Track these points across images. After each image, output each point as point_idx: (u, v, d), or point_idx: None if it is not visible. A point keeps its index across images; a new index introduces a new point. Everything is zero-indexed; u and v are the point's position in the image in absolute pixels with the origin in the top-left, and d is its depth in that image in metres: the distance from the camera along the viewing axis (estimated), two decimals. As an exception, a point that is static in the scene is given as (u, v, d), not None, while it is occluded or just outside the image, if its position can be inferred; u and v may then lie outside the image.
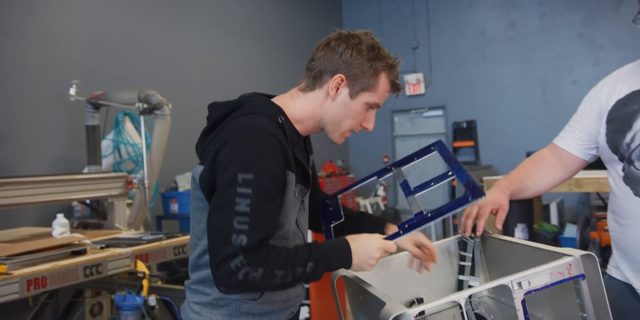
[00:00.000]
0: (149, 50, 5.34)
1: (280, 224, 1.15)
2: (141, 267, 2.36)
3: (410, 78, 8.28)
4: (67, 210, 4.16)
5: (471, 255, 1.52)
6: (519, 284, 1.08)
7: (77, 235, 2.54)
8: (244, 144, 1.07)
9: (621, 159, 1.38)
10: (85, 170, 3.92)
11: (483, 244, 1.52)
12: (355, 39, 1.20)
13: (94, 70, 4.67)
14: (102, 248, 2.42)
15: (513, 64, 7.48)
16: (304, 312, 3.45)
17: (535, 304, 1.32)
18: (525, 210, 5.25)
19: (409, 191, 1.37)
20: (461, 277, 1.53)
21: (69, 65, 4.51)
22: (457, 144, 7.82)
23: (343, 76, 1.19)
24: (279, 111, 1.19)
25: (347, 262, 1.13)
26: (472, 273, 1.52)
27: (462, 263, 1.53)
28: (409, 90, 8.41)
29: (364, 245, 1.15)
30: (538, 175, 1.57)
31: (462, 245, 1.53)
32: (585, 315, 1.14)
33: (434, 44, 8.26)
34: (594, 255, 1.12)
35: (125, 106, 3.79)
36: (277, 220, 1.11)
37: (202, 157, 1.18)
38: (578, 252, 1.13)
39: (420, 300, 1.48)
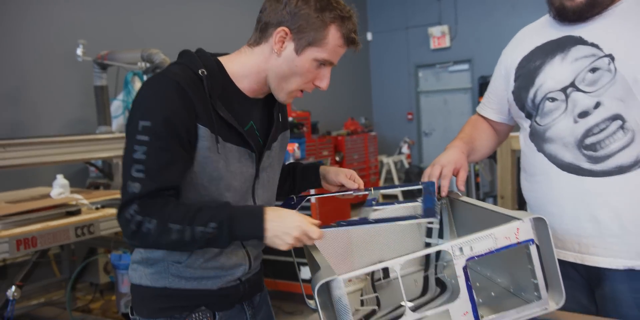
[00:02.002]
0: (155, 8, 5.26)
1: (193, 179, 1.09)
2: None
3: (435, 31, 7.96)
4: (84, 170, 4.26)
5: (439, 217, 1.46)
6: (460, 249, 1.02)
7: (76, 195, 2.59)
8: (147, 92, 1.06)
9: (527, 115, 1.37)
10: (98, 131, 3.97)
11: (451, 205, 1.46)
12: None
13: (100, 30, 4.65)
14: (97, 208, 2.46)
15: (546, 12, 7.06)
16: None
17: (496, 267, 1.26)
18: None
19: (369, 204, 1.33)
20: (428, 240, 1.48)
21: (76, 25, 4.50)
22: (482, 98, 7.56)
23: (287, 29, 1.08)
24: (208, 64, 1.11)
25: (258, 231, 1.03)
26: (441, 235, 1.47)
27: (430, 225, 1.47)
28: (433, 44, 8.11)
29: (282, 219, 1.04)
30: (482, 137, 1.55)
31: (430, 206, 1.47)
32: (535, 281, 1.08)
33: (461, -7, 7.87)
34: (544, 218, 1.04)
35: (129, 65, 3.78)
36: (179, 171, 1.06)
37: None
38: (528, 215, 1.05)
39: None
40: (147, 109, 1.03)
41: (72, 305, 3.17)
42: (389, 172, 8.06)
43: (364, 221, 1.14)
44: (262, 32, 1.13)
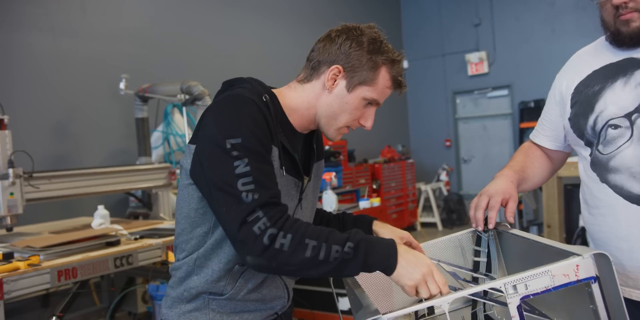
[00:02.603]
0: (196, 40, 5.40)
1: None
2: (172, 257, 2.38)
3: (473, 57, 7.90)
4: (124, 201, 4.33)
5: (486, 250, 1.38)
6: (514, 287, 0.95)
7: (116, 226, 2.61)
8: (226, 110, 1.03)
9: (587, 144, 1.29)
10: (138, 161, 4.04)
11: (500, 238, 1.38)
12: (357, 31, 1.15)
13: (143, 64, 4.79)
14: (136, 239, 2.47)
15: (586, 37, 6.91)
16: None
17: (551, 304, 1.17)
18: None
19: None
20: (475, 275, 1.40)
21: (119, 59, 4.64)
22: (524, 124, 7.38)
23: (340, 67, 1.13)
24: (267, 91, 1.13)
25: (392, 260, 0.98)
26: (489, 270, 1.39)
27: (477, 259, 1.40)
28: (471, 70, 8.04)
29: (414, 255, 1.01)
30: (535, 166, 1.47)
31: (477, 240, 1.40)
32: (598, 323, 0.99)
33: (498, 19, 7.82)
34: (608, 254, 0.96)
35: (169, 98, 3.85)
36: (276, 183, 1.04)
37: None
38: (588, 251, 0.97)
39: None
40: (232, 127, 1.01)
41: (111, 335, 3.16)
42: (427, 199, 7.91)
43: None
44: (314, 69, 1.17)
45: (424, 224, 7.85)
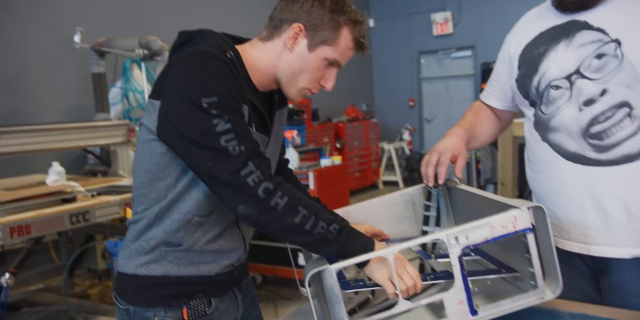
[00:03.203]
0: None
1: None
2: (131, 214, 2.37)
3: (438, 17, 7.87)
4: (82, 158, 4.24)
5: (436, 205, 1.43)
6: (456, 238, 1.00)
7: (72, 183, 2.57)
8: (194, 67, 1.00)
9: (532, 104, 1.32)
10: (96, 118, 3.94)
11: (449, 193, 1.43)
12: None
13: (99, 17, 4.59)
14: (93, 196, 2.44)
15: None
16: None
17: (492, 255, 1.24)
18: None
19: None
20: (425, 228, 1.45)
21: (74, 11, 4.44)
22: (485, 85, 7.47)
23: (302, 26, 1.11)
24: (231, 48, 1.11)
25: (370, 248, 1.03)
26: (438, 224, 1.44)
27: (427, 213, 1.45)
28: (436, 30, 8.02)
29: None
30: (483, 124, 1.51)
31: (427, 195, 1.44)
32: (532, 270, 1.05)
33: (464, -22, 7.76)
34: (543, 207, 1.01)
35: (128, 53, 3.74)
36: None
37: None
38: (525, 204, 1.03)
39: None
40: (206, 85, 0.99)
41: (70, 291, 3.18)
42: (389, 159, 8.03)
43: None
44: (275, 28, 1.15)
45: (386, 183, 8.00)
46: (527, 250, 1.04)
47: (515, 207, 1.02)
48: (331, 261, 1.00)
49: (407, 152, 8.17)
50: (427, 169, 1.37)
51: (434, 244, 1.44)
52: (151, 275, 1.12)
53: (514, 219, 1.02)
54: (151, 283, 1.12)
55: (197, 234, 1.12)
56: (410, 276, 1.02)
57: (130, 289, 1.14)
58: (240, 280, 1.26)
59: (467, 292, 1.00)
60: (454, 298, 1.00)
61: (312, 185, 3.45)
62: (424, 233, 1.45)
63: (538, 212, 1.03)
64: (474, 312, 1.01)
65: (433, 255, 1.27)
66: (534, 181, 1.38)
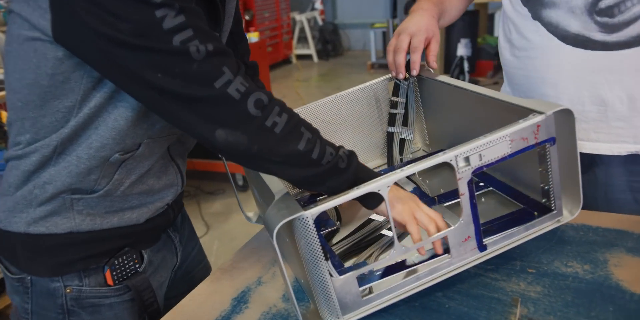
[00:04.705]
0: None
1: None
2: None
3: None
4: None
5: (404, 100, 1.16)
6: (466, 159, 0.75)
7: None
8: None
9: None
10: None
11: (420, 85, 1.16)
12: None
13: None
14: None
15: None
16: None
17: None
18: (470, 23, 4.84)
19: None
20: (391, 129, 1.20)
21: None
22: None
23: None
24: None
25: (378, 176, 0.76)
26: (405, 123, 1.19)
27: (393, 111, 1.18)
28: None
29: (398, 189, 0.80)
30: None
31: (394, 88, 1.16)
32: (547, 187, 0.85)
33: None
34: (571, 111, 0.77)
35: None
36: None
37: None
38: (551, 107, 0.78)
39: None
40: None
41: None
42: (302, 30, 7.52)
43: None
44: None
45: (299, 56, 7.59)
46: (544, 164, 0.83)
47: (539, 113, 0.77)
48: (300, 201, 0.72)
49: (320, 22, 7.66)
50: (396, 56, 1.07)
51: (402, 148, 1.20)
52: (52, 234, 0.79)
53: (537, 127, 0.77)
54: (53, 244, 0.80)
55: (118, 175, 0.79)
56: (426, 215, 0.77)
57: (21, 253, 0.81)
58: (176, 218, 0.97)
59: (477, 227, 0.78)
60: (461, 234, 0.78)
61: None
62: (390, 134, 1.20)
63: (560, 117, 0.79)
64: (482, 248, 0.80)
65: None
66: (517, 69, 1.13)
